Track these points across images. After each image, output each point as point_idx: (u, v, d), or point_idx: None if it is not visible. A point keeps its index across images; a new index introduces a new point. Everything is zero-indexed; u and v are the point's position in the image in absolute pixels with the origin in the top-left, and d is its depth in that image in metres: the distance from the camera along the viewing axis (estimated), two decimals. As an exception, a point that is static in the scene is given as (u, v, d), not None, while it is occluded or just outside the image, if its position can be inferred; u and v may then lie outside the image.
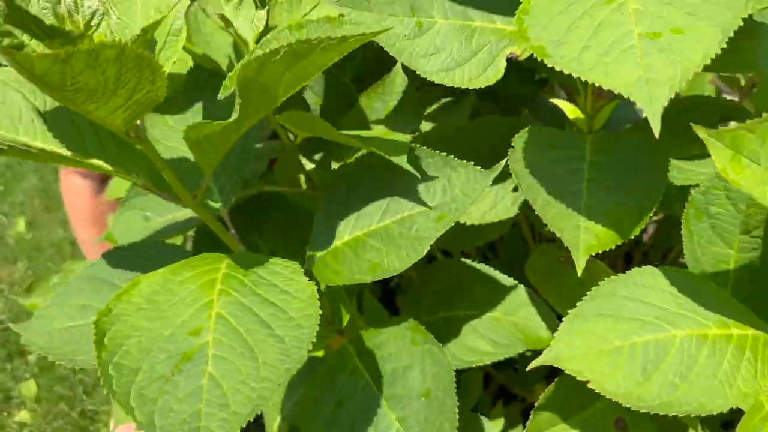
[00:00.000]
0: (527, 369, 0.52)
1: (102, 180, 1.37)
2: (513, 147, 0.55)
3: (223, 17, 0.57)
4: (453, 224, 0.54)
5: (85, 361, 0.58)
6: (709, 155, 0.44)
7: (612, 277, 0.54)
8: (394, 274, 0.54)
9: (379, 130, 0.58)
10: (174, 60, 0.44)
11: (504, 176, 0.60)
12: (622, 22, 0.45)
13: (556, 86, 0.82)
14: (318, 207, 0.61)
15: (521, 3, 0.49)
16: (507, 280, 0.68)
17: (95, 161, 0.48)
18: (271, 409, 0.68)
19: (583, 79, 0.43)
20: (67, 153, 0.47)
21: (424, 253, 0.54)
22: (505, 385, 0.90)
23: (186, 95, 0.59)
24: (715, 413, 0.48)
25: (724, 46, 0.42)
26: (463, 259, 0.71)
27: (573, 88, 0.65)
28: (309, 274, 0.58)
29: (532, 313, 0.65)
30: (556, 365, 0.50)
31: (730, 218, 0.57)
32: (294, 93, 0.48)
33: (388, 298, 1.00)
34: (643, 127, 0.55)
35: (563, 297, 0.62)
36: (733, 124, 0.55)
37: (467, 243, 0.75)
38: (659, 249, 0.95)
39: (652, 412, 0.48)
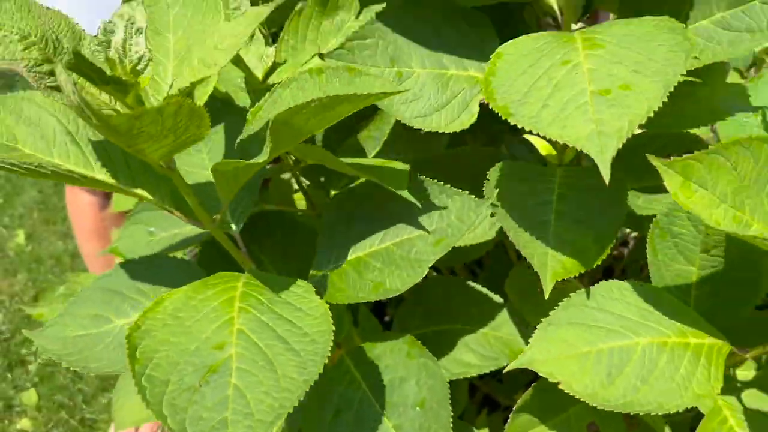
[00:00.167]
0: (505, 371, 0.58)
1: (107, 195, 1.42)
2: (488, 179, 0.60)
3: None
4: (450, 248, 0.58)
5: (98, 368, 0.62)
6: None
7: (583, 289, 0.60)
8: (396, 294, 0.58)
9: (379, 160, 0.63)
10: (205, 100, 0.49)
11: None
12: (576, 81, 0.50)
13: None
14: (321, 228, 0.65)
15: (490, 62, 0.54)
16: (495, 298, 0.73)
17: (124, 186, 0.53)
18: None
19: (542, 135, 0.48)
20: (99, 177, 0.53)
21: (424, 275, 0.58)
22: (489, 394, 0.95)
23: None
24: (671, 412, 0.53)
25: (666, 99, 0.47)
26: (453, 277, 0.77)
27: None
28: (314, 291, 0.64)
29: (515, 329, 0.70)
30: (530, 368, 0.56)
31: (691, 238, 0.62)
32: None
33: (379, 310, 1.05)
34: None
35: (539, 313, 0.68)
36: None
37: (453, 261, 0.80)
38: (638, 263, 1.01)
39: (615, 411, 0.54)
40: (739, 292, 0.62)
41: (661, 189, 0.69)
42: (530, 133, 0.50)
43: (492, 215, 0.59)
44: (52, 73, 0.43)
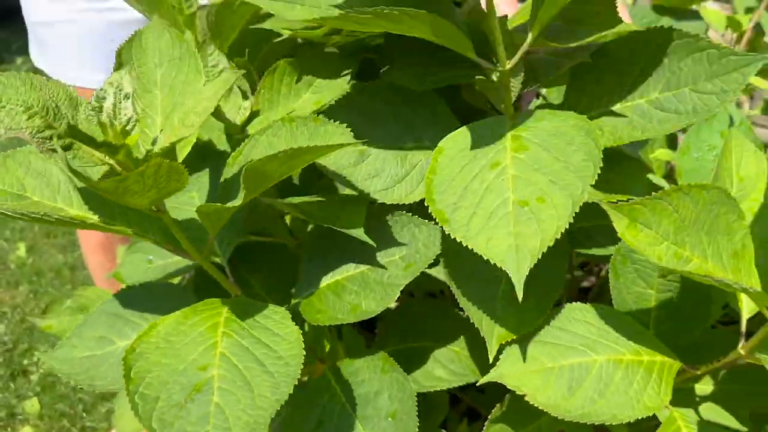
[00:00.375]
0: (478, 384, 0.64)
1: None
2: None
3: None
4: (418, 273, 0.64)
5: (103, 386, 0.68)
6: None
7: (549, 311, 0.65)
8: (372, 315, 0.64)
9: (339, 200, 0.68)
10: (188, 150, 0.55)
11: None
12: (502, 188, 0.55)
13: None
14: (302, 254, 0.70)
15: (432, 158, 0.59)
16: (466, 318, 0.78)
17: (120, 228, 0.58)
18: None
19: (470, 247, 0.53)
20: (97, 220, 0.58)
21: (396, 297, 0.63)
22: (471, 405, 1.00)
23: (189, 164, 0.69)
24: (623, 422, 0.58)
25: (576, 212, 0.52)
26: (430, 298, 0.81)
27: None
28: (296, 313, 0.68)
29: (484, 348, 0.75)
30: (500, 381, 0.61)
31: (649, 263, 0.67)
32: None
33: (370, 323, 1.10)
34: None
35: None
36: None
37: (426, 287, 0.85)
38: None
39: (575, 421, 0.59)
40: (693, 314, 0.67)
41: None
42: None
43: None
44: (52, 138, 0.49)
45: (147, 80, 0.63)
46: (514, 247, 0.52)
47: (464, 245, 0.53)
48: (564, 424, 0.67)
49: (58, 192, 0.59)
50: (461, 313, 0.77)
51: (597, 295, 1.04)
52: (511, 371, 0.61)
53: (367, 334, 0.87)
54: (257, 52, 0.79)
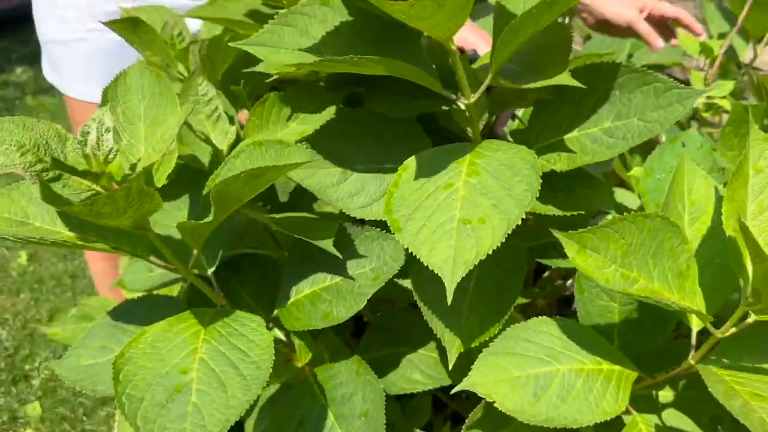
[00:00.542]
0: (451, 393, 0.67)
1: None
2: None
3: (203, 133, 0.74)
4: (385, 282, 0.69)
5: (104, 390, 0.73)
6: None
7: (517, 324, 0.68)
8: (341, 321, 0.68)
9: (311, 219, 0.73)
10: (168, 173, 0.59)
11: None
12: (451, 207, 0.60)
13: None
14: (285, 266, 0.75)
15: (396, 174, 0.65)
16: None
17: (112, 246, 0.63)
18: (249, 428, 0.82)
19: (414, 254, 0.58)
20: (91, 242, 0.63)
21: (364, 304, 0.68)
22: (456, 410, 1.04)
23: (177, 186, 0.74)
24: (583, 426, 0.62)
25: (507, 233, 0.58)
26: (410, 308, 0.85)
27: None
28: (277, 320, 0.73)
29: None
30: (471, 390, 0.64)
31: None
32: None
33: (360, 330, 1.14)
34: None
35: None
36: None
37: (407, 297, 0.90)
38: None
39: (539, 426, 0.62)
40: (653, 326, 0.71)
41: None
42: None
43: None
44: (43, 171, 0.55)
45: (132, 114, 0.69)
46: (451, 258, 0.57)
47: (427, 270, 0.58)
48: (535, 428, 0.71)
49: (56, 217, 0.65)
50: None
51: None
52: (482, 380, 0.65)
53: (357, 340, 0.91)
54: (250, 78, 0.84)
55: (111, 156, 0.56)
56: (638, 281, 0.59)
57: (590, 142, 0.69)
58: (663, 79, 0.68)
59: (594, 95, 0.70)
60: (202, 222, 0.59)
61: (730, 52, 1.32)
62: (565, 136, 0.70)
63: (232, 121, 0.77)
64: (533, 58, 0.71)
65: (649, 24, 1.15)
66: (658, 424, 0.71)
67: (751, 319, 0.59)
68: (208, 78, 0.77)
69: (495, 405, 0.63)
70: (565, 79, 0.66)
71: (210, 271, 0.71)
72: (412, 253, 0.59)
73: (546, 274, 1.07)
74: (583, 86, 0.67)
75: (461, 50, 0.80)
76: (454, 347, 0.66)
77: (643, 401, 0.73)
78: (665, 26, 1.19)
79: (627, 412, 0.70)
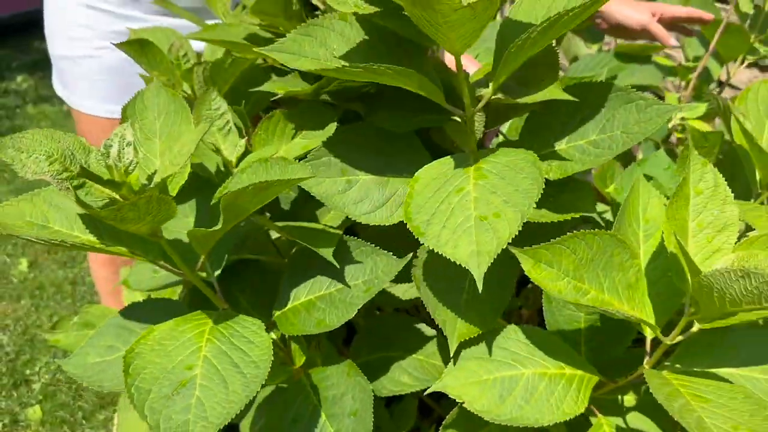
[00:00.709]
0: (425, 393, 0.74)
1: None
2: (416, 259, 0.76)
3: (214, 144, 0.80)
4: (375, 294, 0.74)
5: (110, 386, 0.79)
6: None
7: (491, 330, 0.74)
8: (333, 328, 0.74)
9: (318, 225, 0.79)
10: (182, 183, 0.66)
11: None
12: (466, 207, 0.66)
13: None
14: (284, 274, 0.81)
15: (410, 185, 0.71)
16: (428, 331, 0.88)
17: (125, 250, 0.69)
18: (244, 428, 0.88)
19: (440, 252, 0.64)
20: (106, 246, 0.69)
21: (354, 313, 0.74)
22: (442, 415, 1.10)
23: (187, 194, 0.79)
24: (544, 425, 0.68)
25: (522, 224, 0.63)
26: (397, 313, 0.92)
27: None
28: (274, 324, 0.79)
29: (441, 357, 0.85)
30: (443, 391, 0.70)
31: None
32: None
33: (350, 336, 1.20)
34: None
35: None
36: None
37: (396, 304, 0.96)
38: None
39: (504, 425, 0.68)
40: (615, 334, 0.77)
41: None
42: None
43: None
44: (69, 179, 0.61)
45: (148, 130, 0.76)
46: (475, 252, 0.63)
47: (436, 263, 0.66)
48: (510, 429, 0.77)
49: (75, 222, 0.71)
50: (423, 325, 0.89)
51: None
52: (453, 383, 0.71)
53: (349, 345, 0.97)
54: (249, 98, 0.91)
55: (131, 168, 0.62)
56: (589, 292, 0.66)
57: (579, 152, 0.75)
58: (645, 97, 0.74)
59: (582, 111, 0.77)
60: (211, 230, 0.65)
61: (706, 75, 1.39)
62: (556, 148, 0.77)
63: (241, 133, 0.84)
64: (525, 74, 0.77)
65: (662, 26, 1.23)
66: (621, 427, 0.76)
67: (696, 327, 0.65)
68: (210, 96, 0.83)
69: (464, 405, 0.69)
70: (557, 93, 0.73)
71: (214, 275, 0.77)
72: (415, 257, 0.65)
73: (529, 285, 1.14)
74: (575, 99, 0.73)
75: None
76: (454, 337, 0.72)
77: (608, 405, 0.78)
78: (677, 27, 1.27)
79: (593, 414, 0.76)
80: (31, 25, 5.43)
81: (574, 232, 0.66)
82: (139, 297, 1.11)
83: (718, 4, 2.02)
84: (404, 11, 0.65)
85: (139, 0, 1.39)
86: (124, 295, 1.18)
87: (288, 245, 0.91)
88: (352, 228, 0.87)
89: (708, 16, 1.25)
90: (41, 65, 4.81)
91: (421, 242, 0.65)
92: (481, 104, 0.74)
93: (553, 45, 0.77)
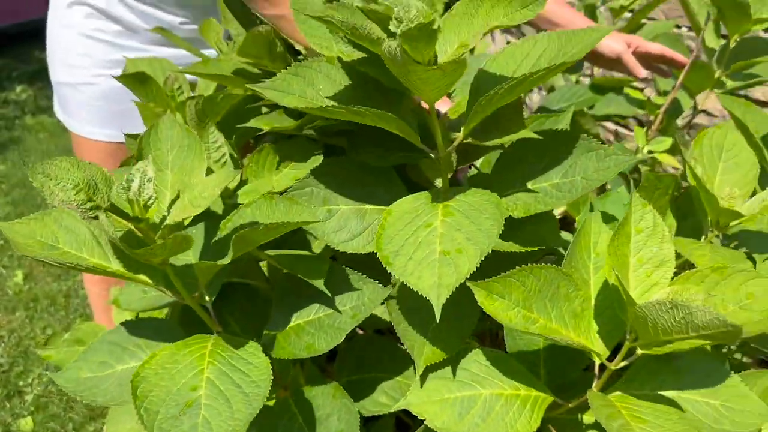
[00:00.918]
0: (391, 410, 0.79)
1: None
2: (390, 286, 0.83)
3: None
4: (363, 320, 0.81)
5: (103, 401, 0.82)
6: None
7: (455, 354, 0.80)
8: (322, 353, 0.80)
9: (307, 254, 0.85)
10: (204, 207, 0.71)
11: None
12: (432, 242, 0.73)
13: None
14: (274, 298, 0.87)
15: (382, 218, 0.77)
16: (405, 353, 0.95)
17: (130, 274, 0.75)
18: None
19: (403, 281, 0.70)
20: (113, 268, 0.75)
21: (343, 338, 0.80)
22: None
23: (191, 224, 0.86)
24: None
25: (480, 260, 0.70)
26: (377, 335, 0.99)
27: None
28: (266, 347, 0.84)
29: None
30: (407, 408, 0.77)
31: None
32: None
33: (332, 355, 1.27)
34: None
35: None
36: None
37: (378, 324, 1.02)
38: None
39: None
40: (571, 358, 0.83)
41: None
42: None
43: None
44: (92, 209, 0.66)
45: (160, 162, 0.81)
46: (437, 284, 0.69)
47: (406, 291, 0.71)
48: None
49: (84, 244, 0.76)
50: (401, 346, 0.94)
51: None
52: (416, 400, 0.77)
53: (332, 363, 1.03)
54: (237, 131, 0.98)
55: (150, 202, 0.67)
56: (538, 321, 0.72)
57: (542, 193, 0.82)
58: (605, 147, 0.81)
59: (547, 156, 0.84)
60: (218, 263, 0.72)
61: (676, 107, 1.47)
62: (521, 189, 0.83)
63: (236, 164, 0.91)
64: (494, 118, 0.83)
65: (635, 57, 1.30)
66: (584, 443, 0.84)
67: (639, 352, 0.71)
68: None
69: (426, 423, 0.75)
70: (527, 133, 0.79)
71: (210, 300, 0.83)
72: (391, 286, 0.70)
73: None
74: (542, 138, 0.80)
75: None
76: (421, 360, 0.78)
77: (569, 424, 0.84)
78: (649, 61, 1.34)
79: (550, 432, 0.83)
80: (32, 35, 5.43)
81: (524, 266, 0.73)
82: (129, 315, 1.14)
83: (688, 32, 2.12)
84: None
85: (136, 30, 1.46)
86: (114, 314, 1.21)
87: (275, 268, 0.98)
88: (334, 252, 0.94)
89: (681, 59, 1.32)
90: (41, 75, 4.84)
91: (389, 271, 0.72)
92: (453, 146, 0.81)
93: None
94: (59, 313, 2.59)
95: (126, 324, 0.89)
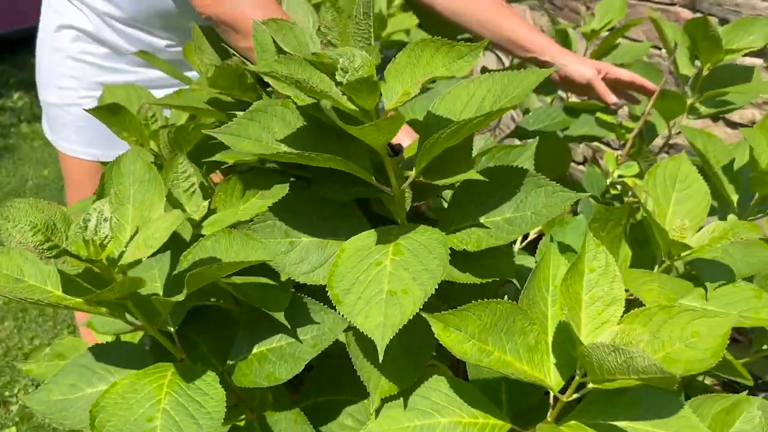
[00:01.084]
0: (351, 439, 0.83)
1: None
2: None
3: (180, 203, 0.90)
4: (322, 350, 0.83)
5: (72, 425, 0.84)
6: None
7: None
8: (282, 382, 0.82)
9: (269, 283, 0.88)
10: (156, 248, 0.73)
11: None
12: (380, 281, 0.75)
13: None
14: (241, 323, 0.89)
15: (336, 255, 0.80)
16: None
17: (90, 308, 0.77)
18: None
19: (351, 322, 0.73)
20: (76, 301, 0.77)
21: (302, 367, 0.83)
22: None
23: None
24: None
25: (424, 301, 0.72)
26: (342, 358, 1.02)
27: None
28: (229, 374, 0.87)
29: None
30: None
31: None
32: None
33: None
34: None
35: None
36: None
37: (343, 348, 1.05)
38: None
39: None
40: (530, 385, 0.83)
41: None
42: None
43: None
44: (50, 249, 0.68)
45: (122, 196, 0.84)
46: (382, 324, 0.72)
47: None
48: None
49: (48, 277, 0.78)
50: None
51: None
52: (376, 429, 0.79)
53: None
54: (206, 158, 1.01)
55: (106, 241, 0.70)
56: (492, 354, 0.75)
57: (494, 227, 0.85)
58: (553, 184, 0.84)
59: (499, 191, 0.86)
60: (173, 299, 0.75)
61: (643, 134, 1.50)
62: (474, 223, 0.86)
63: (206, 195, 0.93)
64: (445, 158, 0.85)
65: (605, 84, 1.34)
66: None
67: (590, 386, 0.74)
68: (172, 157, 0.93)
69: None
70: (473, 175, 0.82)
71: (174, 328, 0.86)
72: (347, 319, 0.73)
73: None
74: (487, 180, 0.82)
75: (391, 145, 0.97)
76: (376, 393, 0.81)
77: None
78: (619, 88, 1.38)
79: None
80: (30, 41, 5.43)
81: (480, 300, 0.75)
82: (109, 335, 1.18)
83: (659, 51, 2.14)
84: (334, 108, 0.74)
85: (123, 53, 1.50)
86: (93, 333, 1.25)
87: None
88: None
89: (651, 86, 1.36)
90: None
91: (338, 310, 0.75)
92: (406, 183, 0.84)
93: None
94: (47, 324, 2.62)
95: (96, 348, 0.91)
